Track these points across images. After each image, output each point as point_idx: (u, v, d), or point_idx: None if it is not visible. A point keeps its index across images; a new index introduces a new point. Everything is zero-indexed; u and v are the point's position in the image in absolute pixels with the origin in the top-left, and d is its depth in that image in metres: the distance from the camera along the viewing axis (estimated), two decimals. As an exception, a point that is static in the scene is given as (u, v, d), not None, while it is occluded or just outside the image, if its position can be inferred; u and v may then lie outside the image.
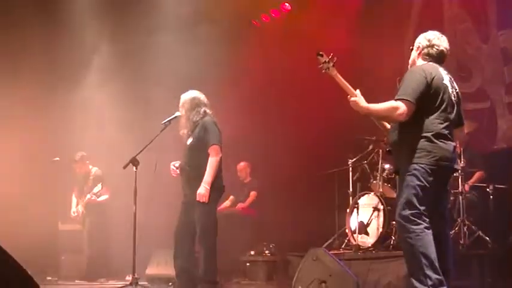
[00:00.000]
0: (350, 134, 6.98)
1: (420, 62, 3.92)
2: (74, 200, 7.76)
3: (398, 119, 3.70)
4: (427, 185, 3.68)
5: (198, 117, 5.11)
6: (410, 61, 4.01)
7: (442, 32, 4.04)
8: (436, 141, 3.69)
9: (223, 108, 5.65)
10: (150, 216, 5.29)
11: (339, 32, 7.69)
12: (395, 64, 6.12)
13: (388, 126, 4.00)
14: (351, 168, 6.88)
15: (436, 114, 3.73)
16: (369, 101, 3.86)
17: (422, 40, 3.94)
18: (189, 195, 5.06)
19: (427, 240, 3.64)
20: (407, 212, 3.67)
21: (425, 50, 3.91)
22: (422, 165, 3.68)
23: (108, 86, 8.49)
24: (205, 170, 4.94)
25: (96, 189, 7.37)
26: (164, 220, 6.51)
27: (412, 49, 4.00)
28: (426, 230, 3.65)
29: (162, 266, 6.55)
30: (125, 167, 5.23)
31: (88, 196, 7.45)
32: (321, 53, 3.80)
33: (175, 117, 5.28)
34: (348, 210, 6.54)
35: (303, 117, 8.07)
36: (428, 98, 3.72)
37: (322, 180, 7.24)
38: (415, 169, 3.68)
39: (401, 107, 3.65)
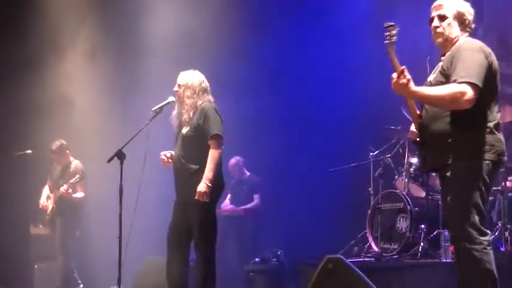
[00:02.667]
0: (371, 122, 6.98)
1: (464, 37, 3.79)
2: (45, 192, 7.50)
3: (464, 106, 3.56)
4: (489, 184, 3.64)
5: (204, 104, 5.08)
6: (452, 35, 3.80)
7: (481, 3, 3.99)
8: (497, 133, 3.64)
9: (224, 92, 5.65)
10: (138, 218, 5.29)
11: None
12: (415, 36, 6.07)
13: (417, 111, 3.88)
14: (372, 163, 6.90)
15: (494, 101, 3.67)
16: None
17: (466, 12, 3.83)
18: (183, 194, 5.05)
19: (492, 255, 3.57)
20: (475, 218, 3.55)
21: (472, 26, 3.84)
22: (487, 162, 3.60)
23: (88, 67, 8.50)
24: (204, 164, 4.92)
25: (73, 180, 7.15)
26: (155, 223, 6.52)
27: (444, 16, 3.80)
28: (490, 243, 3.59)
29: (153, 276, 6.57)
30: (109, 161, 5.24)
31: (63, 188, 7.14)
32: (392, 24, 3.62)
33: (169, 103, 5.29)
34: (368, 212, 6.57)
35: (315, 103, 8.06)
36: (489, 82, 3.63)
37: (339, 176, 7.25)
38: (479, 166, 3.59)
39: (468, 91, 3.51)
